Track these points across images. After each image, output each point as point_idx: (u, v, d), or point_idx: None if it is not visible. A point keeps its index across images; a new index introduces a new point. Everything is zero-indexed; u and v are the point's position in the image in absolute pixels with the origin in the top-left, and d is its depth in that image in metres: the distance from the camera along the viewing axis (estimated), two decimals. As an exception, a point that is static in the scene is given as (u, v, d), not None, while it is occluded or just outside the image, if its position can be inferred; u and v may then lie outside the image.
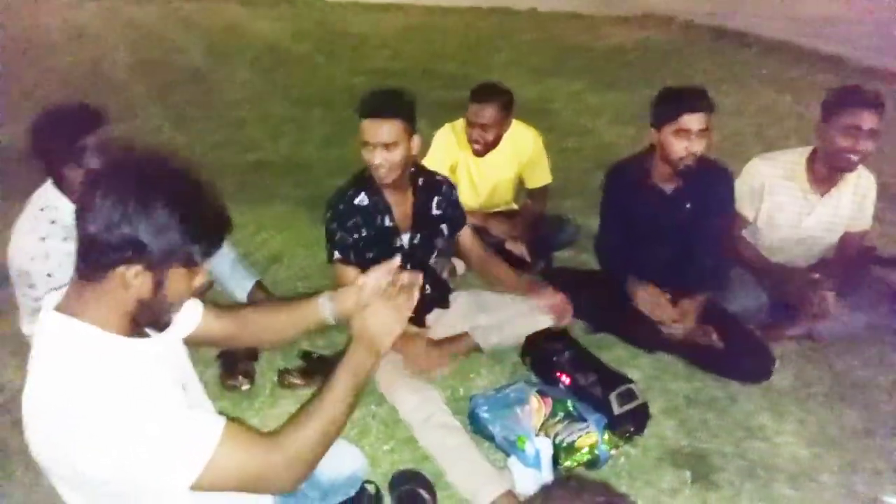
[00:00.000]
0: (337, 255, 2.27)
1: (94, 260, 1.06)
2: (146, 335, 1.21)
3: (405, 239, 2.35)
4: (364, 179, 2.27)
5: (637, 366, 2.55)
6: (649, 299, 2.52)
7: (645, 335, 2.56)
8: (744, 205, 2.70)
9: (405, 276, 1.41)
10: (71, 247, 2.07)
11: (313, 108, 5.44)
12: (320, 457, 1.20)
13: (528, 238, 3.08)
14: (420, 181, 2.36)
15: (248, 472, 1.10)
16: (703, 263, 2.57)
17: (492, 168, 3.09)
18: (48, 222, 2.08)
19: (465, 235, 2.53)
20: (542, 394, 2.08)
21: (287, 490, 1.18)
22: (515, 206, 3.36)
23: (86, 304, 1.09)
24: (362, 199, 2.27)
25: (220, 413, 2.11)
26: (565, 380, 2.25)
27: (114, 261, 1.05)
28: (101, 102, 5.43)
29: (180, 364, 1.33)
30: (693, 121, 2.34)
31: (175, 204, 1.06)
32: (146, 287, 1.09)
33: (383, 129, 2.11)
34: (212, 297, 2.76)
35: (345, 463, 1.73)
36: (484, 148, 2.98)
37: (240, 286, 2.70)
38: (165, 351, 1.24)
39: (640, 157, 2.60)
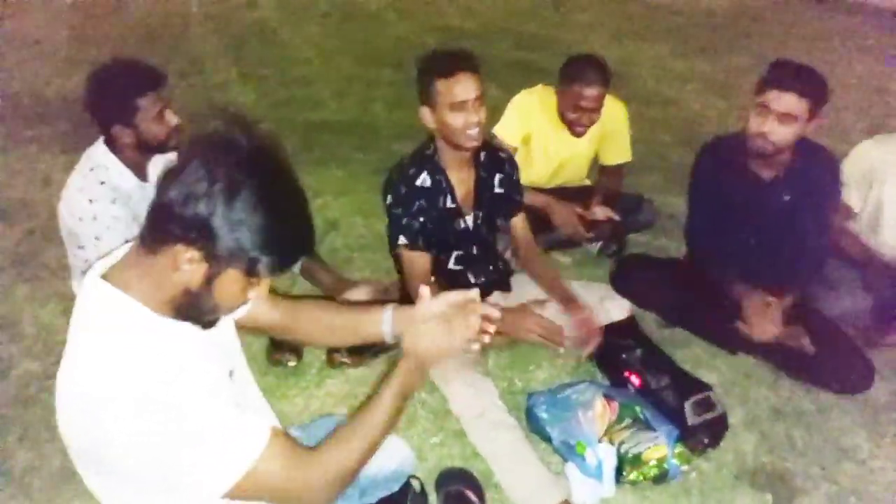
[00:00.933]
0: (403, 240, 2.07)
1: (158, 228, 0.97)
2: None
3: (469, 220, 2.17)
4: (425, 157, 2.08)
5: (715, 367, 2.32)
6: (759, 309, 2.19)
7: (726, 333, 2.30)
8: (850, 193, 2.38)
9: (467, 296, 1.26)
10: (119, 210, 2.02)
11: (382, 68, 5.24)
12: (357, 474, 1.14)
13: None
14: (482, 156, 2.16)
15: (285, 486, 1.04)
16: (799, 260, 2.28)
17: (570, 142, 2.82)
18: (97, 183, 2.01)
19: (518, 223, 2.33)
20: (608, 397, 1.89)
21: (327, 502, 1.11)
22: (588, 182, 3.10)
23: (136, 278, 1.01)
24: (424, 179, 2.07)
25: (265, 390, 2.05)
26: (635, 380, 2.05)
27: (175, 236, 0.95)
28: (169, 56, 5.47)
29: (229, 349, 1.24)
30: (778, 100, 2.01)
31: (263, 205, 0.96)
32: (196, 277, 0.99)
33: (476, 85, 1.92)
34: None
35: (389, 456, 1.59)
36: (587, 130, 2.72)
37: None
38: (216, 336, 1.15)
39: (736, 137, 2.28)
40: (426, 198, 2.07)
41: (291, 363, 2.25)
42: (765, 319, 2.16)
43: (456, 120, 1.93)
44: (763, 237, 2.30)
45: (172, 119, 2.02)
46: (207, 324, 1.08)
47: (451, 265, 2.22)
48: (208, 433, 0.96)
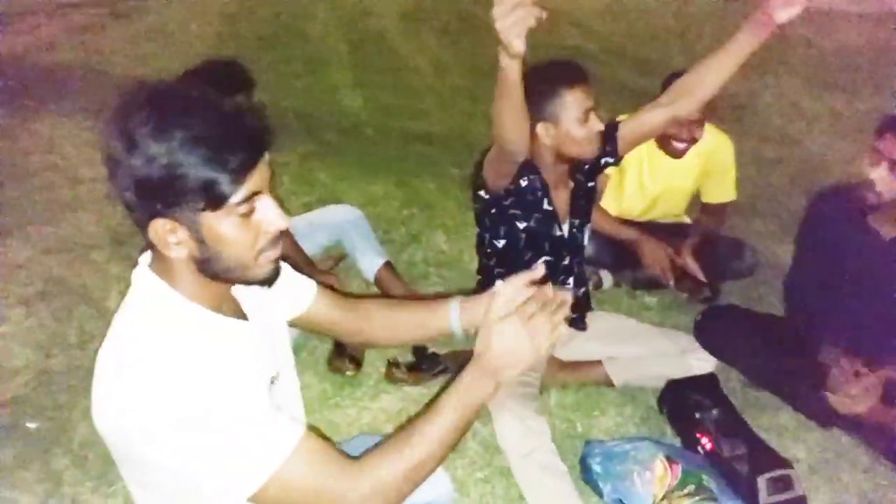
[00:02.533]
0: None
1: (136, 224, 0.92)
2: (244, 316, 1.07)
3: (565, 228, 2.04)
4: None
5: (803, 441, 2.08)
6: (847, 378, 1.97)
7: (819, 404, 2.06)
8: None
9: (552, 291, 1.11)
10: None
11: (491, 83, 5.20)
12: (406, 496, 1.00)
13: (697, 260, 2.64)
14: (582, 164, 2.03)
15: (315, 494, 0.93)
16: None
17: (669, 173, 2.66)
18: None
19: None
20: (670, 459, 1.73)
21: None
22: (687, 220, 2.91)
23: (169, 270, 0.97)
24: (524, 180, 1.94)
25: (319, 397, 2.03)
26: (706, 444, 1.87)
27: (141, 219, 0.90)
28: (288, 57, 5.69)
29: (277, 351, 1.17)
30: (892, 146, 1.80)
31: (164, 125, 0.85)
32: (189, 243, 0.92)
33: (593, 93, 1.86)
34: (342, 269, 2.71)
35: (425, 485, 1.52)
36: (687, 147, 2.55)
37: (367, 264, 2.58)
38: (261, 335, 1.09)
39: (857, 186, 2.05)
40: (528, 196, 1.96)
41: (350, 372, 2.23)
42: (853, 390, 1.92)
43: (581, 131, 1.84)
44: (874, 302, 2.04)
45: None
46: (265, 281, 1.00)
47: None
48: (236, 433, 0.90)
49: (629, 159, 2.63)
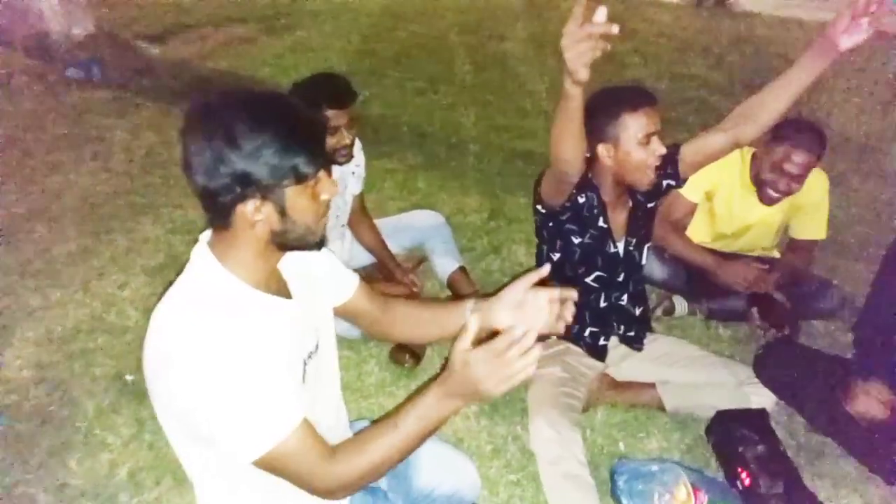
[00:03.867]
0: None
1: (214, 209, 1.10)
2: (288, 295, 1.21)
3: (620, 246, 2.08)
4: (581, 176, 1.99)
5: (862, 494, 1.96)
6: (864, 393, 1.88)
7: (886, 459, 1.94)
8: None
9: (557, 293, 1.23)
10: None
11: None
12: (365, 484, 1.15)
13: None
14: None
15: (301, 470, 1.09)
16: None
17: (757, 210, 2.59)
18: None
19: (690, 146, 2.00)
20: (695, 486, 1.71)
21: (332, 500, 1.15)
22: (776, 254, 2.80)
23: (229, 249, 1.12)
24: (581, 197, 2.01)
25: (378, 384, 2.18)
26: (745, 479, 1.82)
27: (229, 203, 1.07)
28: (414, 74, 5.99)
29: (318, 331, 1.31)
30: None
31: (257, 126, 1.05)
32: (272, 217, 1.09)
33: (658, 117, 1.90)
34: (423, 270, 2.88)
35: (451, 475, 1.58)
36: (783, 199, 2.50)
37: (442, 267, 2.72)
38: (301, 317, 1.22)
39: None
40: (584, 212, 2.02)
41: (408, 365, 2.38)
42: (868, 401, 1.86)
43: (641, 154, 1.88)
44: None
45: (345, 138, 2.25)
46: (316, 244, 1.18)
47: (589, 280, 2.11)
48: (252, 403, 1.04)
49: (719, 188, 2.61)
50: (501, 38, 7.53)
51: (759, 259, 2.70)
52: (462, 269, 2.73)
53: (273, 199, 1.08)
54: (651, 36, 7.99)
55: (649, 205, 2.08)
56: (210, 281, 1.11)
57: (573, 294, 1.26)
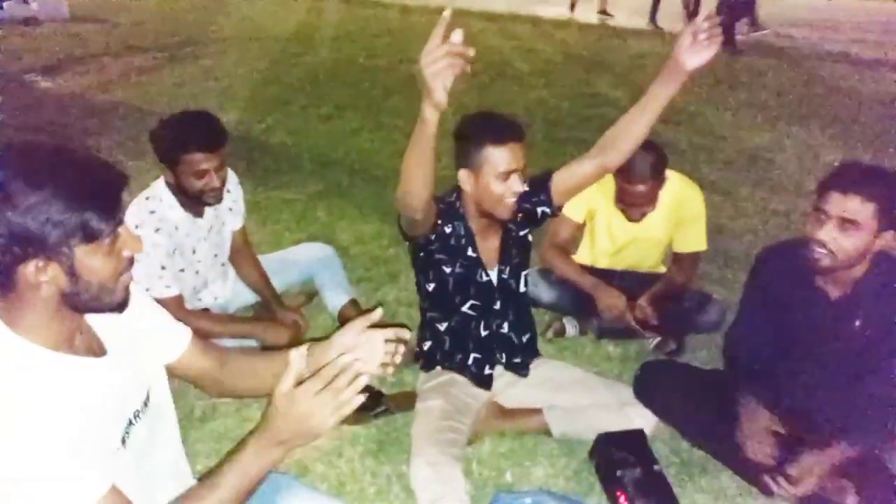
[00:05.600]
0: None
1: None
2: (101, 353, 1.13)
3: (493, 275, 2.07)
4: (447, 204, 2.02)
5: (741, 506, 1.99)
6: (752, 432, 1.92)
7: (758, 469, 1.97)
8: None
9: (392, 333, 1.23)
10: (161, 239, 2.19)
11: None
12: None
13: (659, 311, 2.58)
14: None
15: None
16: (863, 402, 1.90)
17: (639, 225, 2.64)
18: (147, 211, 2.20)
19: (559, 176, 1.99)
20: (568, 514, 1.69)
21: None
22: (663, 270, 2.85)
23: (17, 312, 1.02)
24: (447, 227, 2.00)
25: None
26: (623, 502, 1.82)
27: (8, 263, 0.97)
28: (319, 101, 5.93)
29: (136, 395, 1.20)
30: (838, 204, 1.73)
31: (36, 181, 0.96)
32: (60, 278, 1.00)
33: (523, 154, 1.89)
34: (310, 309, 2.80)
35: None
36: (642, 216, 2.55)
37: (333, 300, 2.66)
38: (119, 375, 1.14)
39: (806, 245, 1.97)
40: (451, 242, 2.00)
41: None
42: (763, 449, 1.87)
43: (499, 188, 1.87)
44: (822, 366, 1.96)
45: (214, 181, 2.16)
46: (115, 306, 1.09)
47: (464, 308, 2.09)
48: (47, 479, 0.95)
49: (597, 209, 2.65)
50: (411, 62, 7.56)
51: (645, 275, 2.75)
52: (353, 301, 2.67)
53: (59, 260, 0.99)
54: (556, 55, 8.21)
55: (522, 232, 2.08)
56: (6, 352, 1.00)
57: (406, 334, 1.23)
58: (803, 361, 1.98)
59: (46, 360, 1.03)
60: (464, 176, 1.92)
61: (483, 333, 2.12)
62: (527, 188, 1.92)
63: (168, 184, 2.23)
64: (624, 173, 2.35)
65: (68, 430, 1.00)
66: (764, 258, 2.10)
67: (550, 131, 5.10)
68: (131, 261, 1.09)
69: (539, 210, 2.02)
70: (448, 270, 2.02)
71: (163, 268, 2.20)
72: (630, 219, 2.54)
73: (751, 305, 2.11)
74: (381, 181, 4.34)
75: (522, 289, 2.14)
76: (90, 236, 1.00)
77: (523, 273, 2.13)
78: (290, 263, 2.75)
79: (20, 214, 0.95)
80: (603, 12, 11.33)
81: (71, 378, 1.05)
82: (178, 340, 1.33)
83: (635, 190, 2.42)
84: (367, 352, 1.28)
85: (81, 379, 1.06)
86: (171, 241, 2.23)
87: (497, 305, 2.09)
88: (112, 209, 1.03)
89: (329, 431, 1.05)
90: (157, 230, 2.19)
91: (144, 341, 1.25)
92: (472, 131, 1.92)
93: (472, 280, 2.03)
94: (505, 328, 2.13)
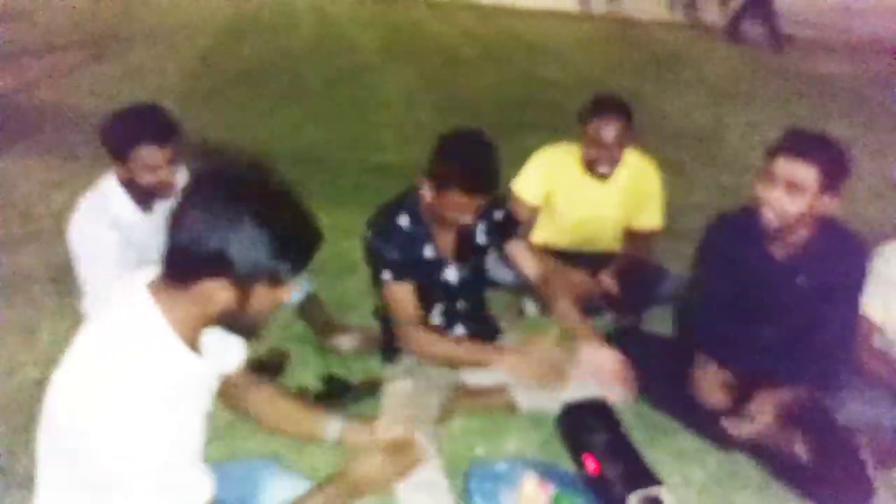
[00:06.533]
0: (388, 275, 2.03)
1: (181, 270, 1.09)
2: (200, 353, 1.20)
3: (452, 274, 2.13)
4: (406, 205, 2.07)
5: (702, 463, 2.09)
6: (705, 381, 2.03)
7: (717, 426, 2.08)
8: (870, 301, 2.10)
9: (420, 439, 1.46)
10: (115, 236, 2.13)
11: (455, 116, 5.32)
12: None
13: (619, 286, 2.67)
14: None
15: None
16: (808, 354, 2.03)
17: (597, 203, 2.71)
18: (100, 208, 2.14)
19: (515, 248, 2.21)
20: (542, 479, 1.74)
21: None
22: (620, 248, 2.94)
23: (173, 304, 1.10)
24: (404, 220, 2.06)
25: (230, 425, 2.08)
26: (591, 465, 1.89)
27: (200, 274, 1.07)
28: (256, 96, 5.81)
29: (210, 395, 1.33)
30: (784, 168, 1.86)
31: (265, 221, 1.06)
32: (231, 301, 1.10)
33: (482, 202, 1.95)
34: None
35: None
36: (611, 168, 2.61)
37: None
38: (211, 378, 1.27)
39: (755, 210, 2.08)
40: (406, 239, 2.04)
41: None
42: (714, 391, 2.01)
43: (458, 207, 1.91)
44: (772, 322, 2.08)
45: (165, 174, 2.09)
46: (251, 334, 1.21)
47: (436, 320, 2.19)
48: (169, 467, 1.05)
49: (557, 188, 2.71)
50: (352, 50, 7.50)
51: (604, 254, 2.82)
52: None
53: (240, 288, 1.09)
54: (505, 41, 8.27)
55: (479, 226, 2.16)
56: (149, 331, 1.08)
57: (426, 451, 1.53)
58: (753, 321, 2.09)
59: (180, 351, 1.12)
60: (426, 186, 1.95)
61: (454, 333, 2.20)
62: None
63: (120, 180, 2.17)
64: (598, 115, 2.49)
65: (193, 420, 1.16)
66: (715, 225, 2.20)
67: (501, 116, 5.15)
68: (280, 304, 1.19)
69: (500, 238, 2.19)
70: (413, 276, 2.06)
71: (118, 265, 2.14)
72: (599, 173, 2.59)
73: (704, 270, 2.22)
74: (331, 172, 4.32)
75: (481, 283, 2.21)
76: (276, 282, 1.12)
77: (482, 268, 2.21)
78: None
79: (234, 240, 1.04)
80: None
81: (191, 372, 1.15)
82: (239, 354, 1.43)
83: (609, 129, 2.49)
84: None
85: (200, 376, 1.19)
86: (124, 237, 2.17)
87: (460, 305, 2.18)
88: (303, 266, 1.14)
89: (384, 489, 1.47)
90: (111, 227, 2.13)
91: (219, 350, 1.33)
92: (441, 143, 1.94)
93: (435, 282, 2.09)
94: (467, 326, 2.23)
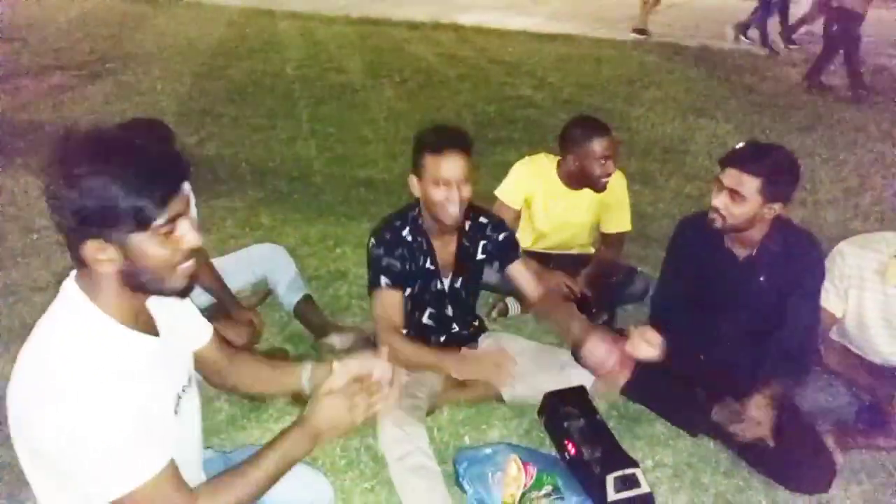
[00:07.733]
0: (385, 280, 2.16)
1: (67, 244, 1.09)
2: (156, 333, 1.24)
3: (445, 283, 2.28)
4: (408, 217, 2.22)
5: (673, 448, 2.25)
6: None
7: (687, 414, 2.24)
8: (829, 296, 2.28)
9: (379, 371, 1.42)
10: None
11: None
12: None
13: (594, 287, 2.85)
14: (467, 226, 2.27)
15: None
16: (775, 347, 2.19)
17: (571, 208, 2.90)
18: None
19: (516, 270, 2.35)
20: (526, 461, 1.89)
21: None
22: (592, 251, 3.13)
23: (92, 285, 1.12)
24: (408, 233, 2.21)
25: (228, 419, 2.19)
26: (571, 450, 2.04)
27: (75, 241, 1.06)
28: (250, 111, 5.95)
29: (183, 371, 1.35)
30: (729, 177, 2.07)
31: (98, 166, 1.03)
32: (116, 258, 1.08)
33: (463, 164, 2.04)
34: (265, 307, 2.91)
35: (307, 492, 1.66)
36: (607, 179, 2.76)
37: (288, 298, 2.77)
38: (171, 353, 1.27)
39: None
40: (408, 250, 2.19)
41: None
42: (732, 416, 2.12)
43: (437, 194, 2.05)
44: (736, 318, 2.24)
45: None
46: (174, 291, 1.17)
47: (424, 320, 2.33)
48: (114, 443, 1.05)
49: (536, 194, 2.89)
50: (339, 70, 7.67)
51: (580, 256, 3.01)
52: (307, 297, 2.80)
53: (116, 242, 1.07)
54: (480, 61, 8.50)
55: (480, 244, 2.31)
56: (77, 316, 1.11)
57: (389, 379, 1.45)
58: (719, 317, 2.26)
59: (116, 331, 1.13)
60: (412, 181, 2.11)
61: (441, 339, 2.36)
62: (485, 221, 2.27)
63: None
64: (594, 135, 2.65)
65: (136, 397, 1.10)
66: (681, 227, 2.39)
67: (480, 132, 5.33)
68: (187, 253, 1.15)
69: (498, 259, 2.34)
70: (408, 291, 2.21)
71: None
72: (601, 187, 2.74)
73: (671, 269, 2.40)
74: (320, 187, 4.46)
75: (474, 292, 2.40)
76: (142, 223, 1.06)
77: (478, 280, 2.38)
78: (242, 264, 2.84)
79: (82, 195, 1.02)
80: (640, 31, 10.28)
81: (136, 350, 1.15)
82: (203, 332, 1.47)
83: (606, 146, 2.65)
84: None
85: (144, 352, 1.17)
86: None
87: (449, 311, 2.33)
88: (165, 199, 1.08)
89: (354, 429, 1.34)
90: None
91: (181, 327, 1.37)
92: (418, 141, 2.12)
93: (428, 289, 2.25)
94: (455, 328, 2.38)
